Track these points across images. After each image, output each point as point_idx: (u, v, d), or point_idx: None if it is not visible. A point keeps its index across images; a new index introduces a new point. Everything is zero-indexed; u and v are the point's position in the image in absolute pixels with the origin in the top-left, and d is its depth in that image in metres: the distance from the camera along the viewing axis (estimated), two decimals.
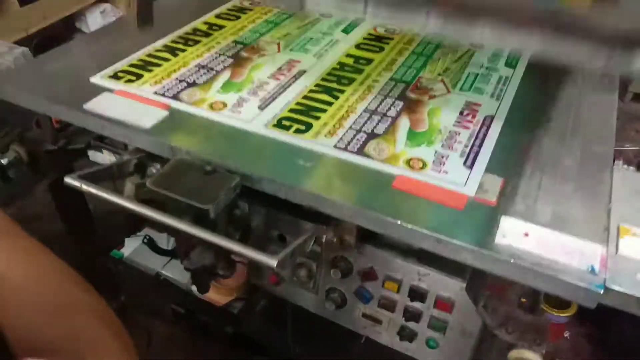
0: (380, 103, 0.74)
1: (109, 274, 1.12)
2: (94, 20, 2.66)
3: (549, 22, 0.42)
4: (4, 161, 0.79)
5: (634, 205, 0.57)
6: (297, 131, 0.68)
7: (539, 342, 0.56)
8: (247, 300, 0.96)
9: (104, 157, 0.84)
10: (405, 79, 0.80)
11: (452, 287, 0.65)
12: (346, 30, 0.94)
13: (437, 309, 0.67)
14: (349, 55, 0.86)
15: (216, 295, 0.97)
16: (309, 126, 0.69)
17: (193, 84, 0.78)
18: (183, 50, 0.87)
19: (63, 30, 2.57)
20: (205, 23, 0.96)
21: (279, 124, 0.69)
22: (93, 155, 0.85)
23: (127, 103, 0.73)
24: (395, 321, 0.71)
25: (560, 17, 0.42)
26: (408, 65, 0.84)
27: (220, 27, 0.95)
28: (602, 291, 0.48)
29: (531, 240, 0.53)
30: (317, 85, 0.78)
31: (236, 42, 0.89)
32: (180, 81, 0.78)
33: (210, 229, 0.63)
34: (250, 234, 0.73)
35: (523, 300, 0.58)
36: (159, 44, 0.89)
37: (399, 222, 0.55)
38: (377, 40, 0.91)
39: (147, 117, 0.70)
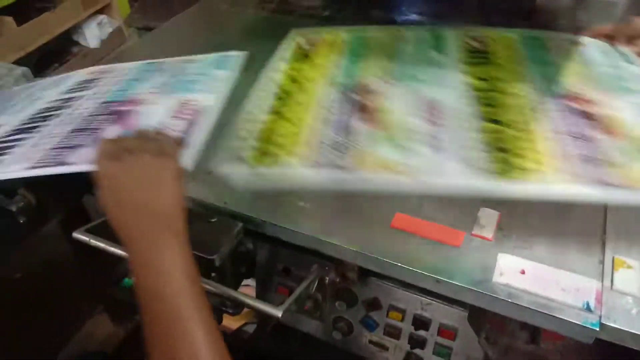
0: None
1: (121, 301, 1.15)
2: (92, 33, 2.68)
3: None
4: (13, 208, 0.81)
5: (628, 235, 0.58)
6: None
7: None
8: (258, 324, 0.98)
9: None
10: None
11: (454, 316, 0.67)
12: None
13: (441, 336, 0.68)
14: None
15: (228, 321, 1.00)
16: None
17: None
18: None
19: (62, 46, 2.59)
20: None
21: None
22: None
23: None
24: (401, 347, 0.73)
25: None
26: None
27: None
28: (597, 329, 0.50)
29: (528, 277, 0.54)
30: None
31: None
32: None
33: (216, 272, 0.65)
34: (255, 267, 0.75)
35: (523, 331, 0.59)
36: None
37: (399, 264, 0.57)
38: None
39: None
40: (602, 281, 0.54)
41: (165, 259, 0.48)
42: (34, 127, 0.75)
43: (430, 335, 0.69)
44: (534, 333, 0.60)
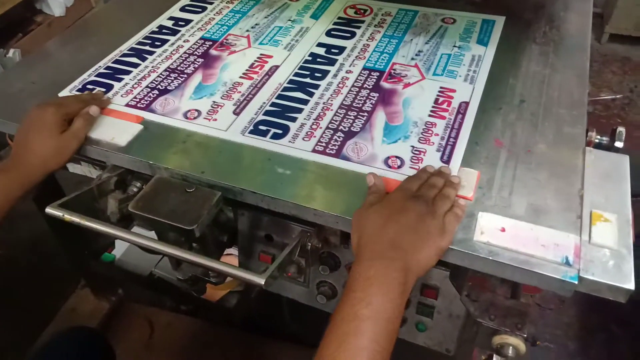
0: (356, 97, 0.74)
1: (103, 275, 1.13)
2: (56, 0, 2.56)
3: None
4: None
5: (605, 189, 0.59)
6: (275, 136, 0.68)
7: (520, 326, 0.59)
8: (242, 292, 0.98)
9: (83, 169, 0.84)
10: (379, 67, 0.79)
11: (436, 276, 0.67)
12: (315, 16, 0.92)
13: (424, 296, 0.69)
14: (320, 45, 0.85)
15: (211, 291, 1.00)
16: (285, 129, 0.69)
17: (165, 91, 0.77)
18: (151, 53, 0.85)
19: (24, 14, 2.47)
20: (171, 18, 0.94)
21: (256, 130, 0.69)
22: (72, 167, 0.85)
23: (99, 119, 0.72)
24: None
25: None
26: (380, 50, 0.83)
27: (187, 21, 0.93)
28: (576, 282, 0.51)
29: (508, 235, 0.55)
30: (290, 81, 0.77)
31: (204, 39, 0.87)
32: (152, 89, 0.77)
33: (198, 243, 0.64)
34: (237, 236, 0.75)
35: (503, 286, 0.60)
36: (125, 47, 0.87)
37: None
38: (347, 25, 0.90)
39: (122, 133, 0.69)
40: (581, 235, 0.54)
41: (388, 294, 0.47)
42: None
43: (413, 296, 0.70)
44: (514, 288, 0.61)
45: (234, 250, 0.80)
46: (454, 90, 0.74)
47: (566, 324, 1.25)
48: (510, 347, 0.58)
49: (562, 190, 0.60)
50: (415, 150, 0.65)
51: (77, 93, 0.77)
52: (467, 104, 0.71)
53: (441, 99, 0.73)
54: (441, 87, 0.75)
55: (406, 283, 0.48)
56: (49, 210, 0.60)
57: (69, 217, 0.59)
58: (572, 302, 1.31)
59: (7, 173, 0.63)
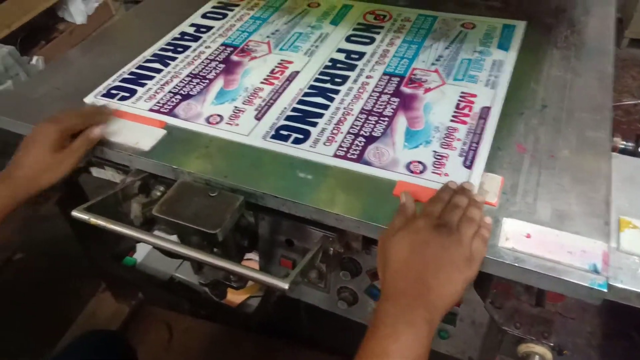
0: (376, 102, 0.74)
1: (123, 278, 1.15)
2: (77, 8, 2.61)
3: None
4: None
5: (631, 195, 0.58)
6: (296, 141, 0.68)
7: (546, 334, 0.58)
8: (262, 297, 0.99)
9: (107, 173, 0.85)
10: (399, 72, 0.79)
11: None
12: (335, 22, 0.92)
13: None
14: (340, 50, 0.85)
15: (231, 295, 1.00)
16: (306, 134, 0.69)
17: (187, 97, 0.77)
18: (173, 59, 0.86)
19: (47, 22, 2.52)
20: (192, 25, 0.95)
21: (277, 134, 0.70)
22: (96, 171, 0.86)
23: (123, 124, 0.73)
24: None
25: None
26: (400, 56, 0.83)
27: (208, 28, 0.94)
28: (605, 290, 0.50)
29: (533, 241, 0.54)
30: (311, 87, 0.78)
31: (226, 45, 0.88)
32: (174, 94, 0.78)
33: (219, 247, 0.65)
34: (258, 240, 0.75)
35: (528, 294, 0.60)
36: (147, 53, 0.88)
37: None
38: (366, 30, 0.90)
39: (145, 138, 0.70)
40: (609, 242, 0.53)
41: (415, 332, 0.46)
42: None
43: None
44: (539, 296, 0.60)
45: (253, 255, 0.80)
46: (475, 95, 0.73)
47: (589, 332, 1.23)
48: (537, 356, 0.57)
49: (587, 195, 0.59)
50: (438, 155, 0.65)
51: (101, 99, 0.78)
52: (488, 109, 0.71)
53: (462, 104, 0.72)
54: (462, 92, 0.74)
55: (432, 320, 0.47)
56: (75, 213, 0.61)
57: (94, 220, 0.60)
58: (594, 310, 1.29)
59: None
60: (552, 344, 0.57)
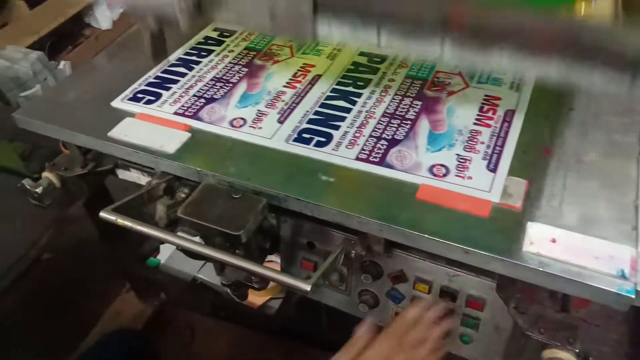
0: (399, 105, 0.74)
1: (147, 278, 1.16)
2: (102, 14, 2.66)
3: (568, 42, 0.41)
4: (39, 190, 0.82)
5: None
6: (318, 144, 0.69)
7: (571, 340, 0.57)
8: (283, 299, 0.99)
9: (132, 175, 0.87)
10: (422, 75, 0.79)
11: (482, 287, 0.66)
12: None
13: (469, 307, 0.68)
14: (362, 54, 0.85)
15: (253, 297, 1.01)
16: (329, 137, 0.70)
17: (211, 100, 0.78)
18: (197, 63, 0.87)
19: (73, 28, 2.58)
20: (216, 29, 0.96)
21: (300, 138, 0.70)
22: (122, 173, 0.88)
23: (149, 127, 0.74)
24: None
25: (582, 36, 0.41)
26: (423, 59, 0.83)
27: (231, 32, 0.95)
28: (633, 296, 0.49)
29: (559, 246, 0.53)
30: (333, 90, 0.78)
31: (249, 49, 0.89)
32: (199, 98, 0.79)
33: (242, 249, 0.65)
34: (279, 243, 0.75)
35: (554, 299, 0.59)
36: (173, 57, 0.90)
37: (425, 235, 0.56)
38: None
39: (170, 141, 0.71)
40: (637, 248, 0.52)
41: None
42: None
43: (458, 307, 0.69)
44: (565, 301, 0.59)
45: (274, 258, 0.81)
46: (499, 99, 0.73)
47: (615, 340, 1.20)
48: None
49: (614, 200, 0.58)
50: (461, 159, 0.64)
51: (128, 102, 0.80)
52: (513, 112, 0.70)
53: (486, 107, 0.72)
54: (486, 95, 0.74)
55: None
56: (103, 214, 0.63)
57: (121, 221, 0.61)
58: (620, 317, 1.26)
59: None
60: (577, 350, 0.56)
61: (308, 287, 0.55)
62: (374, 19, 0.51)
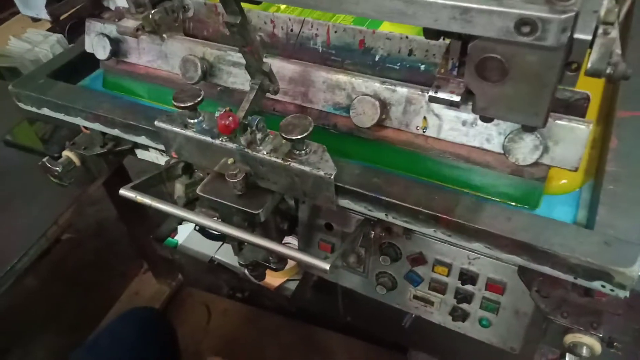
0: None
1: (165, 258, 1.18)
2: None
3: None
4: (59, 168, 0.83)
5: None
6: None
7: (595, 325, 0.56)
8: (300, 281, 0.99)
9: (151, 155, 0.87)
10: None
11: (503, 270, 0.65)
12: None
13: (489, 291, 0.67)
14: None
15: (269, 278, 1.01)
16: None
17: None
18: None
19: (92, 11, 2.59)
20: None
21: None
22: (140, 153, 0.88)
23: None
24: (447, 302, 0.72)
25: None
26: None
27: None
28: None
29: None
30: None
31: None
32: None
33: (260, 229, 0.65)
34: (297, 224, 0.75)
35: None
36: None
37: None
38: None
39: None
40: None
41: None
42: None
43: (477, 290, 0.68)
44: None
45: (291, 239, 0.80)
46: None
47: (636, 330, 1.18)
48: (585, 347, 0.55)
49: None
50: None
51: None
52: None
53: None
54: None
55: None
56: (122, 191, 0.63)
57: (140, 198, 0.62)
58: None
59: None
60: (601, 335, 0.55)
61: (327, 266, 0.54)
62: None
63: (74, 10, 2.53)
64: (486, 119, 0.48)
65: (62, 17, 2.58)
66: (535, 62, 0.39)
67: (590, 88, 0.57)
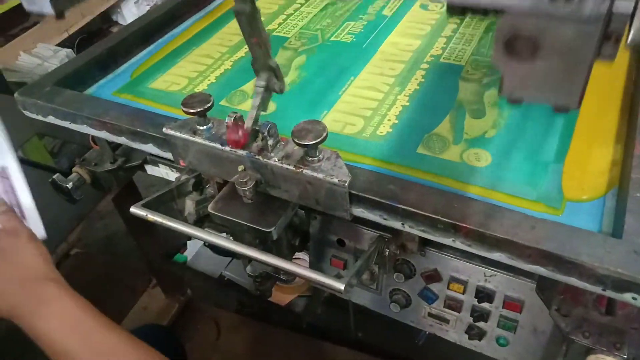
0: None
1: (174, 274, 1.17)
2: (129, 11, 2.69)
3: None
4: (69, 185, 0.82)
5: None
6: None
7: (619, 345, 0.54)
8: (309, 297, 0.98)
9: (161, 171, 0.86)
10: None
11: (521, 288, 0.63)
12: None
13: (506, 309, 0.66)
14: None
15: (279, 295, 1.00)
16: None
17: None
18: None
19: (101, 25, 2.62)
20: None
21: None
22: (150, 169, 0.87)
23: None
24: (462, 320, 0.71)
25: None
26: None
27: None
28: None
29: None
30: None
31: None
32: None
33: (271, 245, 0.64)
34: (309, 239, 0.74)
35: (599, 301, 0.56)
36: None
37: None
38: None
39: None
40: None
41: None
42: None
43: (494, 308, 0.66)
44: (610, 303, 0.56)
45: (302, 255, 0.79)
46: None
47: None
48: None
49: None
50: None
51: None
52: None
53: None
54: None
55: None
56: (133, 210, 0.62)
57: (152, 217, 0.61)
58: None
59: None
60: (625, 356, 0.53)
61: (342, 286, 0.53)
62: None
63: (83, 25, 2.52)
64: (515, 101, 0.44)
65: (72, 32, 2.57)
66: (570, 36, 0.36)
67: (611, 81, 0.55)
